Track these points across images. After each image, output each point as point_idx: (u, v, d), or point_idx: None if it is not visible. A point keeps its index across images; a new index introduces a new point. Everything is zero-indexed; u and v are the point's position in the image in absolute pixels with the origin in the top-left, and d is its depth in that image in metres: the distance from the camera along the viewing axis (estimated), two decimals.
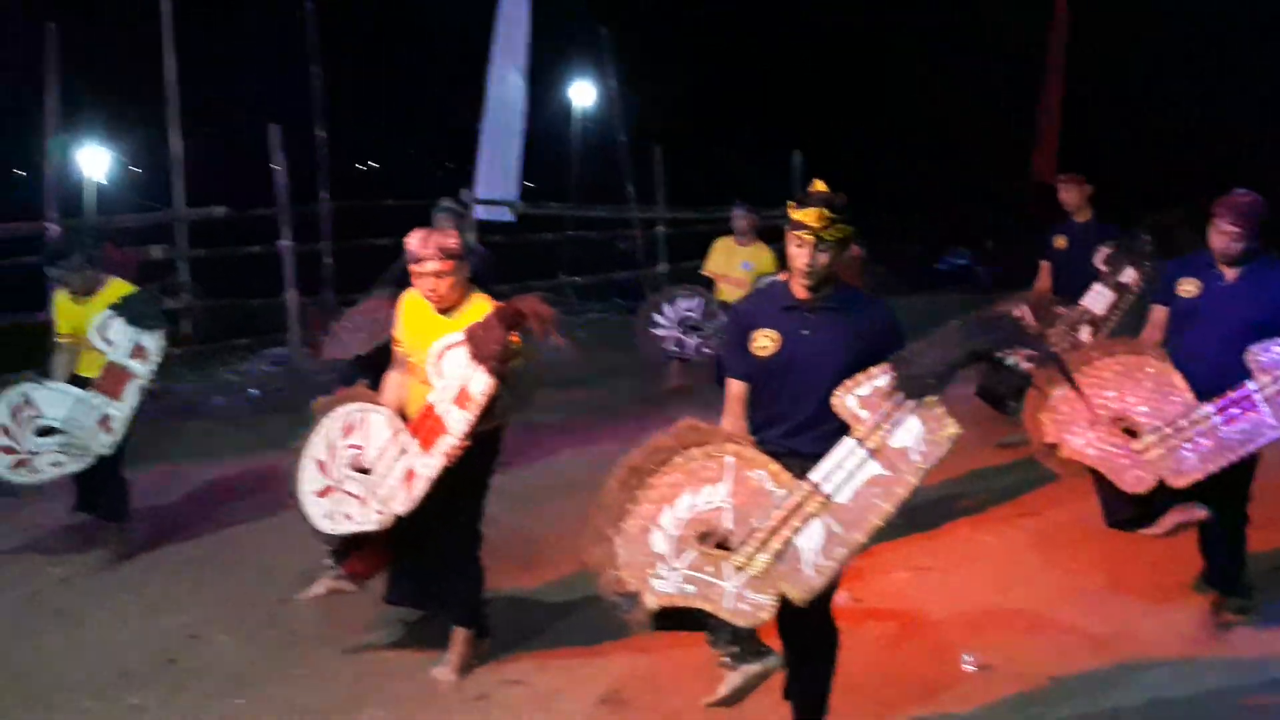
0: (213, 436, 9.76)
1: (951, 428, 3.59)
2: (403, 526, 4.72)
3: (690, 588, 3.64)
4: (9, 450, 6.31)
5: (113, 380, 6.36)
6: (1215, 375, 4.77)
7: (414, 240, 4.72)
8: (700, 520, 3.67)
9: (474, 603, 5.01)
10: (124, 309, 6.40)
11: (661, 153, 16.91)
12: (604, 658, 5.00)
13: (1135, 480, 4.79)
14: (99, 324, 6.38)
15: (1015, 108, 21.59)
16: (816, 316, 3.86)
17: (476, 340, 4.48)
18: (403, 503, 4.64)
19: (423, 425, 4.63)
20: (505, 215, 15.85)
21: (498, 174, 15.90)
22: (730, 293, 8.80)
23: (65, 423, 6.31)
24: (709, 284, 8.75)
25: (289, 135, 12.73)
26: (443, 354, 4.58)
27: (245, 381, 12.51)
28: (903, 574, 5.84)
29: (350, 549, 5.02)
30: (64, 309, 6.62)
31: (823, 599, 3.75)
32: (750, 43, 29.44)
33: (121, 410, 6.36)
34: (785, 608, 3.63)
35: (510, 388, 4.64)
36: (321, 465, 4.93)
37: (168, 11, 14.21)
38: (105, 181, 17.48)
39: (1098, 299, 7.03)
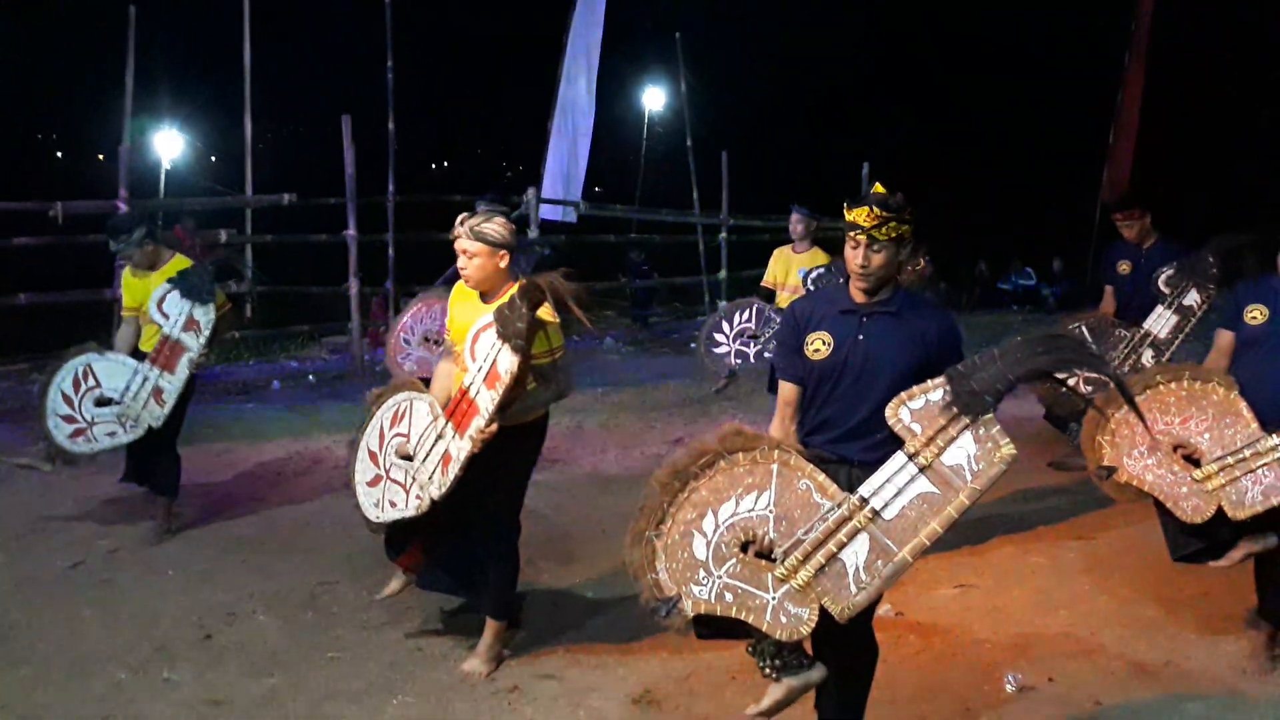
0: (268, 420, 9.86)
1: (1008, 448, 3.45)
2: (439, 512, 4.71)
3: (729, 596, 3.56)
4: (69, 419, 6.48)
5: (167, 353, 6.48)
6: None
7: (457, 220, 4.78)
8: (742, 528, 3.58)
9: (506, 594, 4.97)
10: (180, 281, 6.51)
11: (728, 159, 16.86)
12: (638, 657, 4.96)
13: (1194, 509, 4.65)
14: (157, 297, 6.51)
15: (1088, 125, 21.28)
16: (873, 321, 3.75)
17: (502, 319, 4.47)
18: (439, 487, 4.65)
19: (458, 409, 4.63)
20: (568, 215, 15.93)
21: (563, 175, 15.99)
22: (789, 301, 8.74)
23: (121, 393, 6.47)
24: (769, 295, 8.67)
25: (360, 128, 12.85)
26: (476, 337, 4.60)
27: (304, 367, 12.65)
28: (948, 590, 5.75)
29: (400, 539, 5.02)
30: (128, 283, 6.73)
31: (864, 613, 3.65)
32: (821, 54, 29.34)
33: (173, 383, 6.46)
34: (824, 620, 3.53)
35: (543, 372, 4.68)
36: (373, 455, 4.98)
37: (247, 1, 14.44)
38: (177, 164, 17.75)
39: (1160, 321, 6.87)
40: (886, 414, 3.54)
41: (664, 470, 3.66)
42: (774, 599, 3.53)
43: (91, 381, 6.50)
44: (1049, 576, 5.90)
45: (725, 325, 8.65)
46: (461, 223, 4.73)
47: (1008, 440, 3.45)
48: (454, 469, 4.59)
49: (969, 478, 3.46)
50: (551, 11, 16.28)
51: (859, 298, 3.79)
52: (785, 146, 27.97)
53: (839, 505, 3.53)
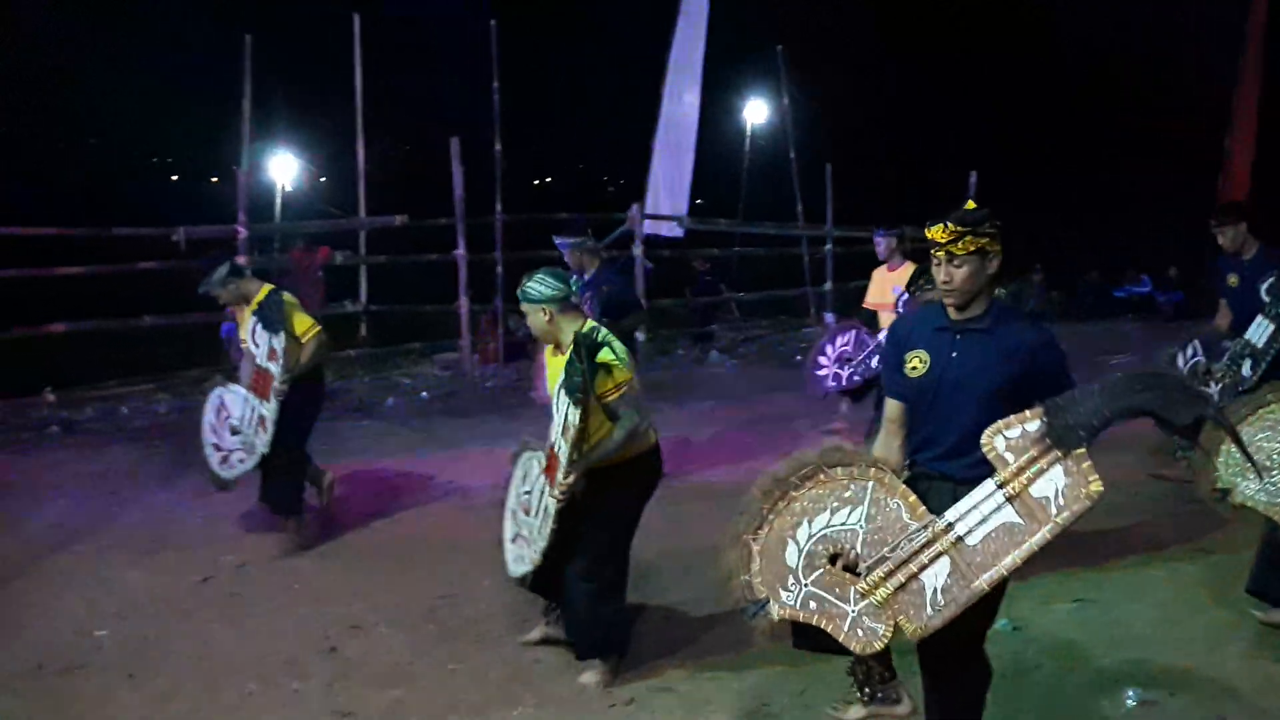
0: (384, 436, 10.09)
1: (1095, 485, 3.42)
2: (554, 561, 4.90)
3: (813, 604, 3.66)
4: (217, 448, 6.91)
5: (261, 382, 6.75)
6: None
7: None
8: (833, 540, 3.66)
9: (609, 633, 5.02)
10: (259, 312, 6.77)
11: (831, 171, 16.80)
12: (753, 670, 4.99)
13: None
14: (249, 329, 6.80)
15: (1204, 131, 20.77)
16: (965, 339, 3.74)
17: (565, 373, 4.67)
18: (544, 539, 4.83)
19: (550, 463, 4.86)
20: (674, 230, 16.00)
21: (667, 190, 16.07)
22: (889, 322, 8.71)
23: (241, 421, 6.81)
24: (871, 316, 8.66)
25: (467, 148, 13.09)
26: (557, 392, 4.81)
27: (417, 384, 12.88)
28: (1066, 605, 5.68)
29: (539, 586, 5.16)
30: (242, 317, 6.97)
31: (968, 633, 3.68)
32: (926, 62, 29.04)
33: (270, 410, 6.69)
34: (932, 638, 3.57)
35: (613, 408, 4.76)
36: (513, 514, 5.26)
37: (358, 27, 14.80)
38: (293, 188, 18.18)
39: (1259, 330, 6.72)
40: (982, 441, 3.54)
41: (766, 478, 3.77)
42: (854, 612, 3.61)
43: (225, 412, 6.89)
44: (1168, 590, 5.80)
45: (828, 348, 8.66)
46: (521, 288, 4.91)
47: (1096, 477, 3.43)
48: (550, 521, 4.78)
49: (1054, 511, 3.44)
50: (654, 28, 16.38)
51: (953, 314, 3.78)
52: (890, 156, 27.75)
53: (925, 527, 3.57)
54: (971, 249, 3.65)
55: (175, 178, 42.80)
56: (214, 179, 28.66)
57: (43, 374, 11.56)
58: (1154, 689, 4.68)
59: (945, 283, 3.71)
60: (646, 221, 14.65)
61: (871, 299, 8.71)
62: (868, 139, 27.55)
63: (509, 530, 5.25)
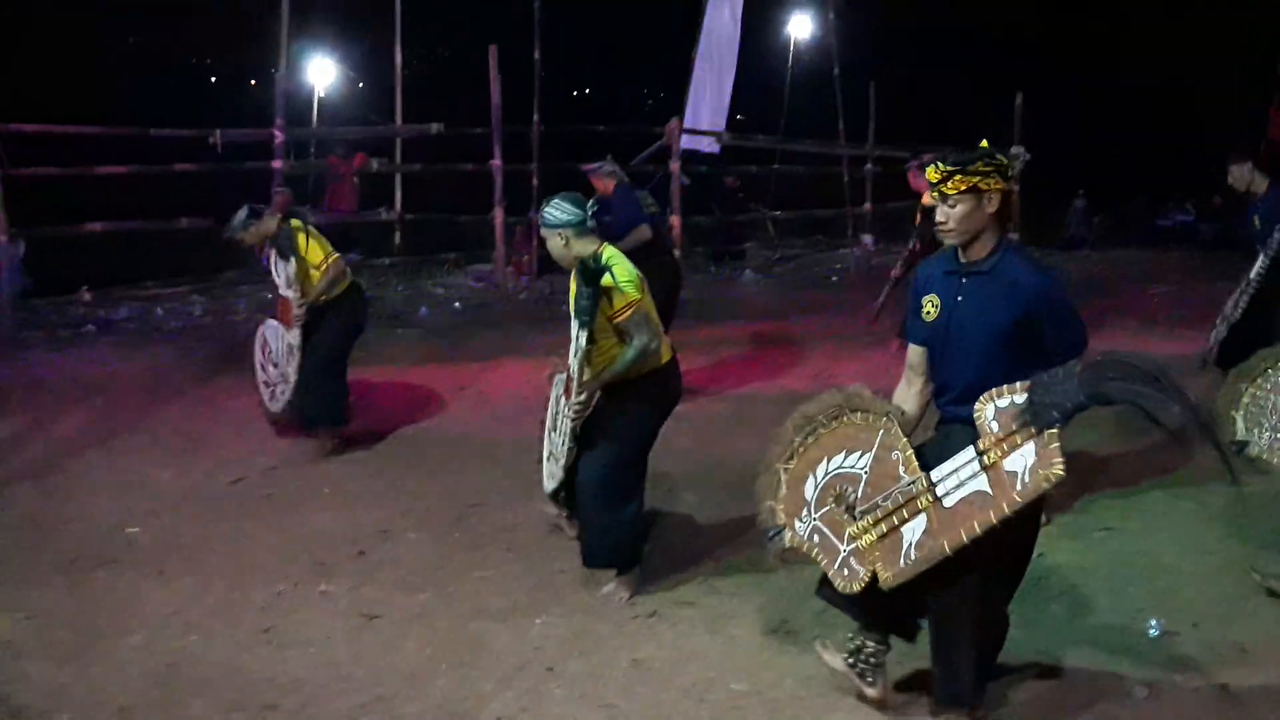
0: (416, 345, 10.12)
1: (1058, 468, 3.39)
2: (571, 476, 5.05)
3: (816, 538, 3.83)
4: (266, 383, 7.15)
5: (285, 310, 6.88)
6: None
7: None
8: (842, 480, 3.79)
9: (622, 544, 5.02)
10: (274, 243, 6.88)
11: (875, 89, 16.53)
12: (776, 589, 5.00)
13: None
14: (271, 262, 6.93)
15: (1255, 58, 20.27)
16: (970, 281, 3.75)
17: (575, 295, 4.78)
18: (566, 456, 4.98)
19: (569, 381, 4.95)
20: (712, 146, 15.84)
21: (707, 105, 15.89)
22: None
23: (276, 354, 7.03)
24: None
25: (506, 58, 12.94)
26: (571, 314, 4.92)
27: (450, 294, 12.90)
28: (1094, 534, 5.65)
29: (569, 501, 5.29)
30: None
31: (965, 580, 3.62)
32: None
33: (295, 338, 6.80)
34: (935, 571, 3.59)
35: (625, 328, 4.80)
36: (547, 434, 5.36)
37: None
38: (329, 93, 18.07)
39: (1257, 266, 6.80)
40: (975, 408, 3.55)
41: (798, 414, 3.92)
42: (844, 551, 3.76)
43: (268, 347, 7.11)
44: (1197, 521, 5.74)
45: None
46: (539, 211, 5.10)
47: (1060, 460, 3.40)
48: (569, 439, 4.94)
49: (1018, 487, 3.45)
50: None
51: (961, 256, 3.77)
52: (936, 76, 27.24)
53: (914, 483, 3.63)
54: (963, 188, 3.65)
55: (214, 79, 42.60)
56: (253, 81, 28.51)
57: (81, 273, 11.65)
58: (1177, 620, 4.66)
59: (942, 222, 3.72)
60: (684, 137, 14.50)
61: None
62: (914, 57, 27.04)
63: (546, 448, 5.36)
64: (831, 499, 3.79)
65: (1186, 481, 6.34)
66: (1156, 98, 25.76)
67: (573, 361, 4.83)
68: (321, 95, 17.50)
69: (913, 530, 3.62)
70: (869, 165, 17.14)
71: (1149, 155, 23.54)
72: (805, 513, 3.85)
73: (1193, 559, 5.29)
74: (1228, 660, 4.33)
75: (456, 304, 12.31)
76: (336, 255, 6.99)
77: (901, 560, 3.61)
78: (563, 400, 5.02)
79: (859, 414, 3.80)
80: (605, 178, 7.96)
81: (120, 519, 5.93)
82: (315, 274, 6.85)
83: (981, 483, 3.51)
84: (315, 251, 6.87)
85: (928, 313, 3.82)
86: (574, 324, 4.81)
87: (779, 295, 13.56)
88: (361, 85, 22.03)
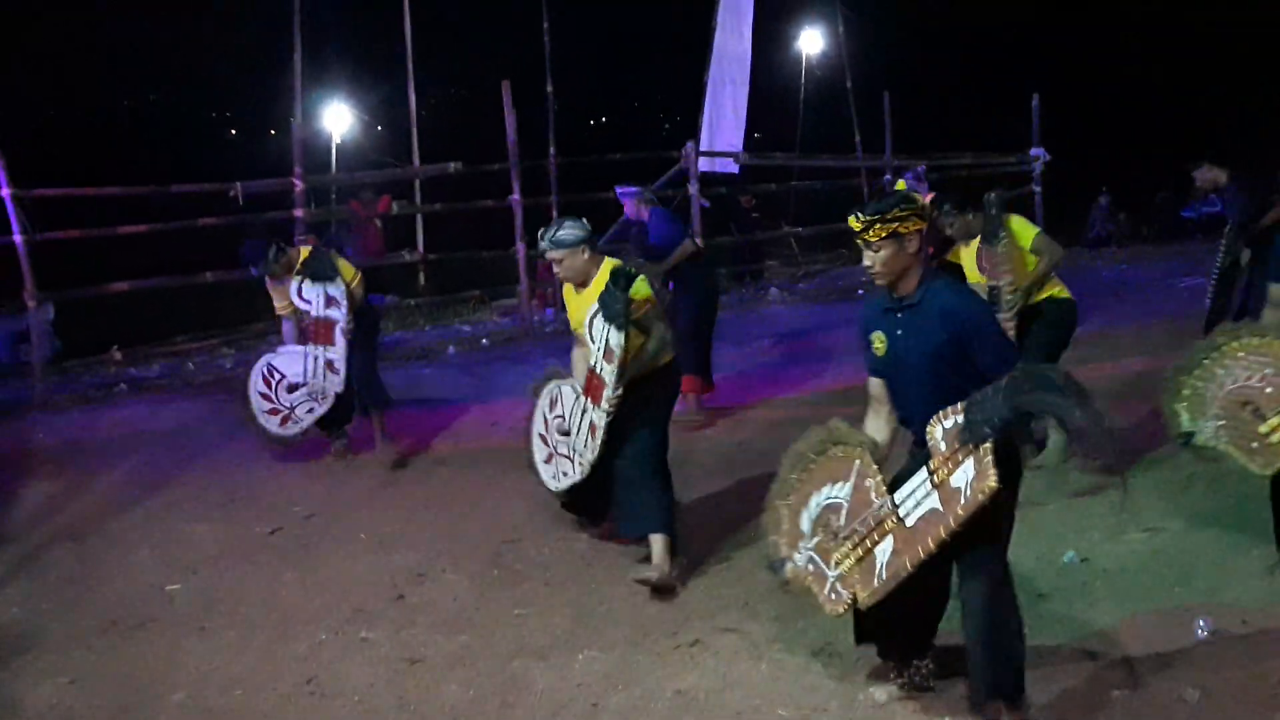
0: (445, 383, 10.13)
1: (992, 481, 3.56)
2: (600, 469, 5.54)
3: (811, 567, 4.09)
4: (274, 412, 7.56)
5: (324, 331, 7.45)
6: None
7: (539, 237, 5.57)
8: (829, 510, 4.04)
9: (664, 510, 5.45)
10: (306, 270, 7.44)
11: (890, 100, 16.49)
12: (816, 610, 4.94)
13: (1263, 465, 4.56)
14: (295, 290, 7.46)
15: (1269, 46, 20.14)
16: (904, 315, 3.98)
17: (604, 304, 5.28)
18: (592, 452, 5.48)
19: (591, 385, 5.46)
20: (729, 166, 15.83)
21: (723, 125, 15.89)
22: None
23: (303, 375, 7.49)
24: None
25: (519, 92, 12.98)
26: (590, 322, 5.40)
27: (477, 331, 12.92)
28: (1136, 535, 5.58)
29: (584, 503, 5.89)
30: (275, 291, 7.61)
31: (991, 587, 3.77)
32: None
33: (338, 353, 7.47)
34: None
35: (644, 324, 5.37)
36: (542, 438, 5.94)
37: None
38: (346, 139, 18.18)
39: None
40: (927, 430, 3.77)
41: (791, 451, 4.23)
42: (832, 577, 4.02)
43: (277, 375, 7.54)
44: (1240, 517, 5.65)
45: None
46: (542, 238, 5.50)
47: (994, 474, 3.56)
48: (599, 435, 5.43)
49: (961, 502, 3.65)
50: None
51: (894, 293, 3.99)
52: (950, 83, 27.20)
53: (882, 505, 3.88)
54: (884, 234, 3.87)
55: (234, 132, 43.10)
56: (272, 132, 28.84)
57: (109, 332, 11.74)
58: (1225, 619, 4.59)
59: (869, 267, 3.95)
60: (702, 159, 14.50)
61: None
62: (926, 65, 27.00)
63: (540, 452, 5.94)
64: (821, 529, 4.06)
65: (1228, 479, 6.25)
66: (1173, 93, 25.61)
67: (600, 363, 5.33)
68: (339, 141, 17.62)
69: (883, 551, 3.86)
70: (888, 176, 17.08)
71: (1170, 150, 23.38)
72: (802, 544, 4.13)
73: (1237, 557, 5.22)
74: (1276, 657, 4.26)
75: (484, 340, 12.32)
76: (360, 272, 7.70)
77: (875, 580, 3.85)
78: (581, 401, 5.52)
79: (839, 446, 4.07)
80: (642, 204, 8.50)
81: (159, 576, 5.95)
82: (353, 291, 7.50)
83: (934, 500, 3.75)
84: (347, 269, 7.56)
85: (877, 348, 4.05)
86: (599, 328, 5.31)
87: (805, 311, 13.50)
88: (380, 128, 22.22)
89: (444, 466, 7.57)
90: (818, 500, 4.09)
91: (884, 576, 3.82)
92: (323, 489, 7.22)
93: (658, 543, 5.37)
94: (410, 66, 15.03)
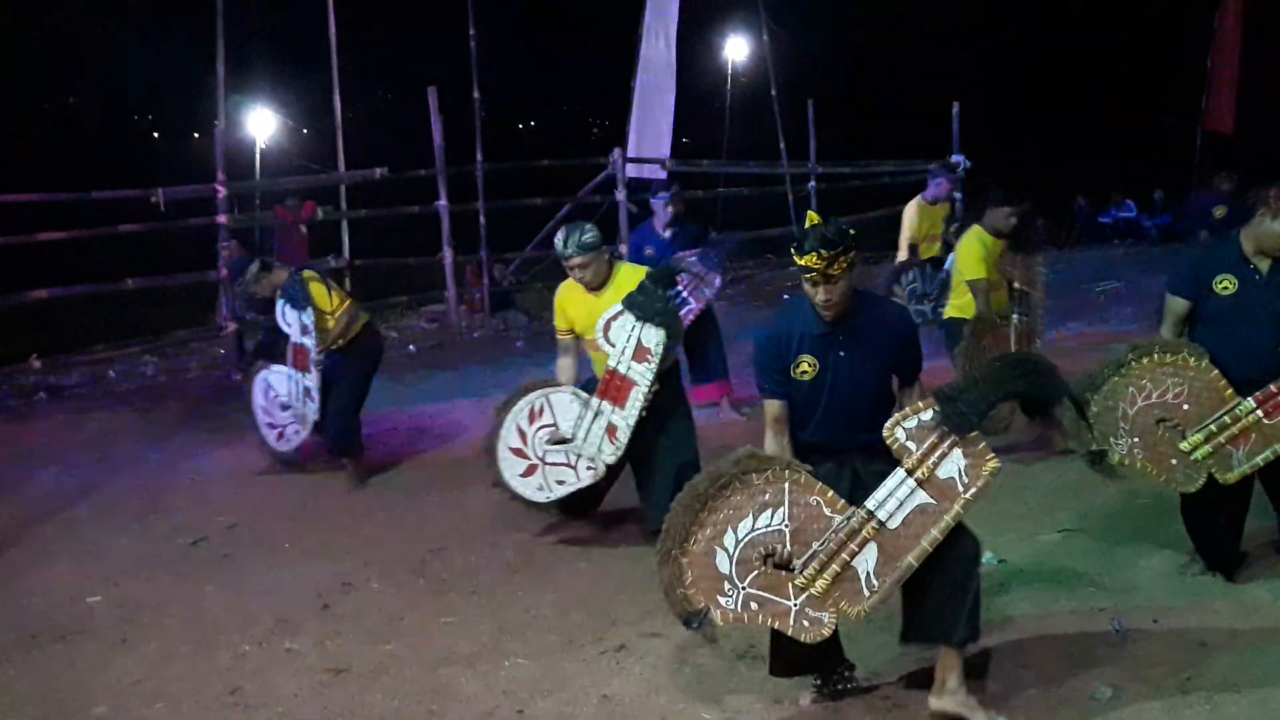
0: (373, 390, 10.00)
1: (993, 462, 3.81)
2: (616, 470, 5.78)
3: (754, 605, 3.88)
4: (272, 426, 7.45)
5: (300, 357, 7.18)
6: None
7: (558, 240, 5.63)
8: (761, 543, 3.86)
9: None
10: (283, 295, 7.18)
11: (814, 107, 16.67)
12: None
13: (1184, 480, 4.81)
14: (280, 312, 7.22)
15: (1186, 51, 20.62)
16: (847, 337, 4.02)
17: (639, 304, 5.40)
18: (612, 453, 5.59)
19: (609, 387, 5.52)
20: (657, 172, 15.89)
21: (650, 132, 15.96)
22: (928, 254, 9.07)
23: (289, 396, 7.32)
24: (913, 249, 8.90)
25: (445, 98, 12.97)
26: (608, 325, 5.47)
27: (404, 337, 12.86)
28: (1051, 535, 5.72)
29: (564, 503, 5.94)
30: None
31: (974, 545, 3.97)
32: None
33: (312, 381, 7.16)
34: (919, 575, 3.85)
35: (675, 335, 5.52)
36: (518, 451, 5.81)
37: None
38: (270, 144, 17.97)
39: None
40: (884, 433, 3.85)
41: (684, 493, 3.91)
42: (795, 605, 3.87)
43: (273, 391, 7.42)
44: (1154, 517, 5.81)
45: (895, 287, 8.78)
46: (565, 245, 5.55)
47: (993, 455, 3.83)
48: (623, 435, 5.54)
49: (961, 489, 3.81)
50: None
51: (830, 316, 3.99)
52: (872, 91, 27.54)
53: (849, 519, 3.84)
54: (845, 265, 3.86)
55: (156, 135, 42.42)
56: (195, 135, 28.45)
57: (28, 340, 11.53)
58: (1138, 618, 4.72)
59: (827, 302, 3.91)
60: (629, 165, 14.56)
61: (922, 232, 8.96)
62: (849, 73, 27.32)
63: (516, 467, 5.80)
64: (758, 563, 3.85)
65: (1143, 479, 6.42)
66: (1089, 98, 26.11)
67: (624, 362, 5.44)
68: (263, 146, 17.42)
69: (865, 561, 3.83)
70: (812, 183, 17.28)
71: (1087, 156, 23.87)
72: (728, 587, 3.86)
73: (1149, 557, 5.36)
74: (1189, 656, 4.39)
75: (411, 347, 12.28)
76: (350, 301, 7.47)
77: (865, 590, 3.83)
78: (593, 404, 5.55)
79: (754, 475, 3.87)
80: (681, 201, 8.72)
81: (80, 589, 5.87)
82: (330, 320, 7.19)
83: (921, 497, 3.84)
84: (327, 299, 7.21)
85: (805, 372, 4.02)
86: (629, 327, 5.41)
87: (734, 314, 13.60)
88: (305, 133, 22.00)
89: (369, 475, 7.53)
90: (736, 537, 3.84)
91: (876, 584, 3.82)
92: (246, 499, 7.17)
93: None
94: (335, 71, 14.90)
